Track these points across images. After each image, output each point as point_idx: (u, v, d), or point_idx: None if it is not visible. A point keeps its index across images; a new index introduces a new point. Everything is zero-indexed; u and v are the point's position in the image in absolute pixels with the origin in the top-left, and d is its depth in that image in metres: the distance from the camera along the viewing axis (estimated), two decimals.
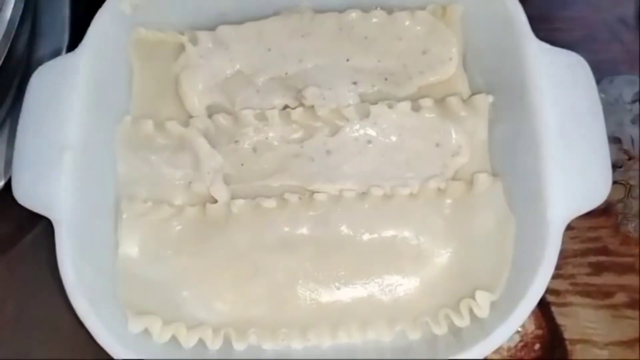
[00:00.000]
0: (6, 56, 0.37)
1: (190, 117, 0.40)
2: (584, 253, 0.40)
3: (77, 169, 0.35)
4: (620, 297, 0.39)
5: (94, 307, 0.33)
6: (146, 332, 0.35)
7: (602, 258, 0.40)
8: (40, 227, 0.41)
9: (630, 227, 0.41)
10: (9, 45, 0.37)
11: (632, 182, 0.41)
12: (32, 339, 0.40)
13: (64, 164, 0.35)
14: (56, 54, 0.43)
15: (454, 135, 0.39)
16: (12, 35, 0.37)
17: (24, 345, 0.40)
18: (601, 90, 0.43)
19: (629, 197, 0.41)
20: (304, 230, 0.37)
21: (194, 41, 0.41)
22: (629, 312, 0.39)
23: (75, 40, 0.40)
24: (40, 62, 0.38)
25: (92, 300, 0.34)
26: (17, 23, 0.38)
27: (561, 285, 0.39)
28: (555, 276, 0.33)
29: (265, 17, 0.42)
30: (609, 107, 0.43)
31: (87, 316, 0.33)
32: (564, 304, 0.39)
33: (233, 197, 0.39)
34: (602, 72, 0.43)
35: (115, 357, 0.33)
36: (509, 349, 0.38)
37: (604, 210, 0.41)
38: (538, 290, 0.32)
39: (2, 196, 0.39)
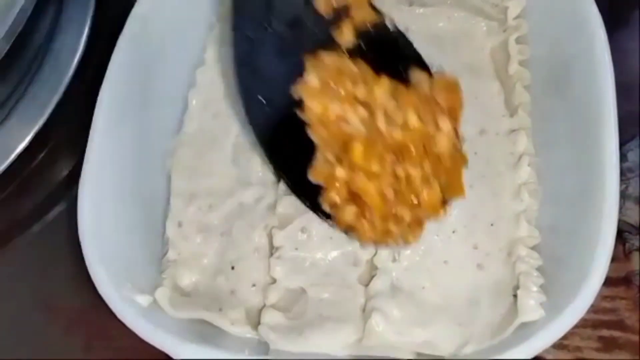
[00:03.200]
0: (24, 46, 0.38)
1: None
2: (596, 325, 0.36)
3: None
4: None
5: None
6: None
7: (616, 333, 0.36)
8: (61, 205, 0.42)
9: None
10: (17, 32, 0.36)
11: None
12: (53, 317, 0.39)
13: None
14: (75, 48, 0.43)
15: None
16: (23, 23, 0.37)
17: (43, 323, 0.39)
18: (637, 145, 0.39)
19: None
20: None
21: None
22: None
23: (96, 30, 0.41)
24: (58, 56, 0.39)
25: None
26: (29, 13, 0.37)
27: (565, 357, 0.35)
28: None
29: None
30: None
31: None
32: None
33: None
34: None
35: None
36: None
37: (624, 279, 0.37)
38: None
39: (23, 175, 0.41)
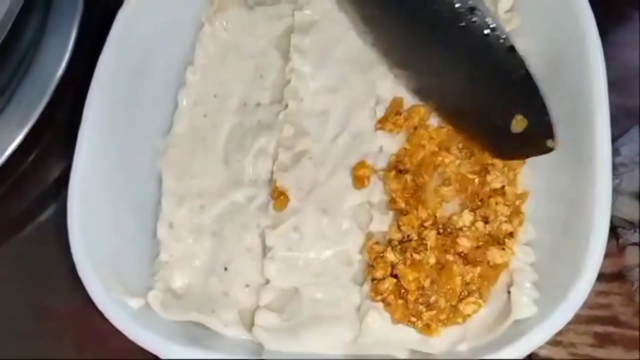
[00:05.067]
0: (11, 49, 0.38)
1: None
2: (590, 321, 0.36)
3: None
4: None
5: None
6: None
7: (610, 329, 0.36)
8: (52, 208, 0.42)
9: None
10: (3, 36, 0.37)
11: None
12: (44, 319, 0.39)
13: None
14: (63, 50, 0.42)
15: None
16: (9, 26, 0.37)
17: (35, 326, 0.39)
18: (630, 139, 0.39)
19: None
20: None
21: None
22: None
23: (83, 32, 0.40)
24: (46, 58, 0.39)
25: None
26: (15, 15, 0.37)
27: (559, 354, 0.35)
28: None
29: None
30: (637, 159, 0.38)
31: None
32: None
33: None
34: (633, 119, 0.39)
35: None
36: None
37: (618, 275, 0.36)
38: None
39: (12, 178, 0.41)
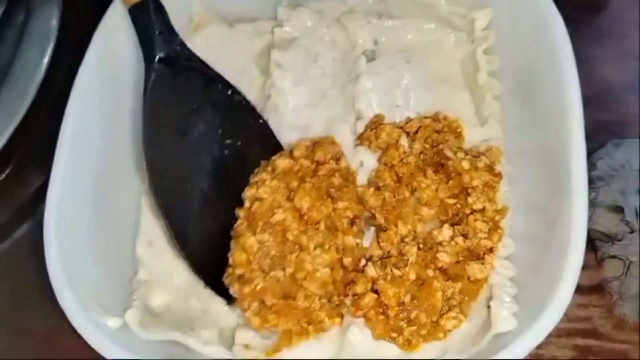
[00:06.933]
0: None
1: None
2: (570, 333, 0.36)
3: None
4: None
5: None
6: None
7: (590, 341, 0.36)
8: (28, 224, 0.41)
9: (627, 309, 0.36)
10: None
11: (632, 259, 0.37)
12: (21, 342, 0.39)
13: None
14: (41, 58, 0.42)
15: None
16: None
17: (11, 348, 0.39)
18: (606, 153, 0.39)
19: (628, 275, 0.37)
20: None
21: None
22: None
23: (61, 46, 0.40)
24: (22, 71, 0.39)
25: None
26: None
27: None
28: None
29: None
30: (613, 173, 0.39)
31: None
32: None
33: None
34: (609, 134, 0.40)
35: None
36: None
37: (597, 287, 0.37)
38: None
39: None
